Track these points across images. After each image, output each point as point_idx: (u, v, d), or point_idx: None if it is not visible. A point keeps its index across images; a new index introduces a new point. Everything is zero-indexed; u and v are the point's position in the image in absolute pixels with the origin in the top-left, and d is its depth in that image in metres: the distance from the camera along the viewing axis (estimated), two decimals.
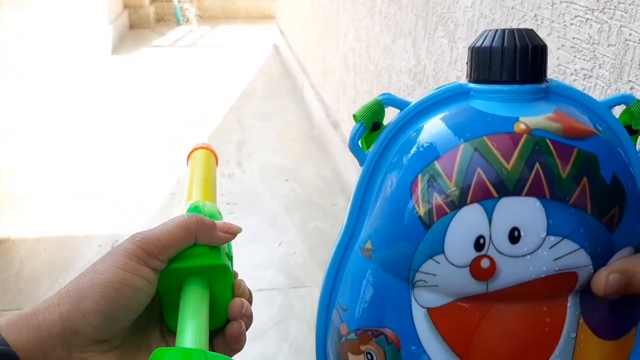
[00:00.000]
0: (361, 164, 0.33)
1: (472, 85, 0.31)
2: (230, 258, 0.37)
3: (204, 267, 0.34)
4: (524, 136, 0.27)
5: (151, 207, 1.81)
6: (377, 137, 0.32)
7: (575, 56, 0.70)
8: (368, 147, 0.33)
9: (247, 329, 0.35)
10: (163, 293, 0.33)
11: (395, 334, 0.30)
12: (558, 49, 0.73)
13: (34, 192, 1.89)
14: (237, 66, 3.43)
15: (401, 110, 0.32)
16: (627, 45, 0.60)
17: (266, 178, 2.02)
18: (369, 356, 0.31)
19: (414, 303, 0.29)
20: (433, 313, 0.29)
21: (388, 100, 0.33)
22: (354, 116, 0.33)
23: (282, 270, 1.52)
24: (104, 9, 3.54)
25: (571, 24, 0.70)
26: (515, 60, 0.29)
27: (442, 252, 0.27)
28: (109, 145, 2.28)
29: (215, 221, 0.35)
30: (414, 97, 1.31)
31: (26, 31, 2.10)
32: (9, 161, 1.83)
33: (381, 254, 0.30)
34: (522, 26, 0.79)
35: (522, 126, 0.28)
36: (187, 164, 0.46)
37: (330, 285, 0.34)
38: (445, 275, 0.28)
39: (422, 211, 0.28)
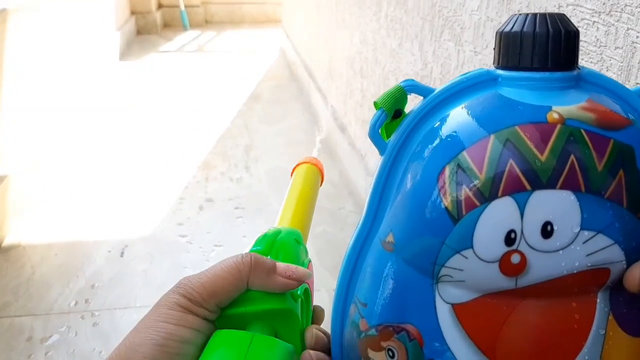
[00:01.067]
0: (381, 153, 0.31)
1: (500, 71, 0.30)
2: (304, 299, 0.33)
3: (262, 312, 0.30)
4: (558, 126, 0.26)
5: (160, 211, 1.82)
6: (398, 125, 0.31)
7: (582, 59, 0.70)
8: (388, 136, 0.31)
9: None
10: None
11: (417, 330, 0.29)
12: None
13: (44, 198, 1.90)
14: (244, 70, 3.44)
15: (425, 97, 0.31)
16: (635, 47, 0.60)
17: (274, 182, 2.03)
18: (390, 353, 0.30)
19: (438, 298, 0.28)
20: (458, 309, 0.28)
21: (411, 87, 0.31)
22: (375, 103, 0.31)
23: None
24: (111, 16, 3.57)
25: (578, 26, 0.70)
26: (547, 46, 0.28)
27: (471, 246, 0.26)
28: (117, 150, 2.29)
29: (278, 263, 0.31)
30: (420, 100, 1.31)
31: (35, 37, 2.11)
32: (18, 167, 1.85)
33: (404, 247, 0.29)
34: None
35: (556, 115, 0.26)
36: (291, 177, 0.43)
37: (347, 278, 0.33)
38: (472, 271, 0.27)
39: (449, 204, 0.26)
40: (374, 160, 1.65)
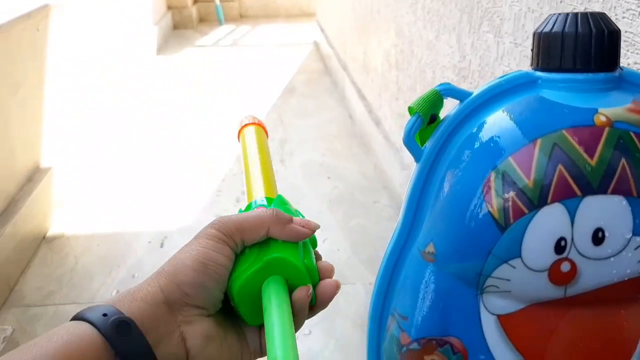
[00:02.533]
0: (417, 160, 0.30)
1: (539, 73, 0.29)
2: (309, 260, 0.35)
3: (277, 261, 0.33)
4: (606, 129, 0.25)
5: (198, 203, 1.85)
6: (434, 130, 0.30)
7: (627, 50, 0.68)
8: (423, 142, 0.30)
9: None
10: (240, 302, 0.34)
11: (462, 342, 0.28)
12: None
13: (86, 189, 1.96)
14: (278, 64, 3.46)
15: (462, 101, 0.30)
16: None
17: (308, 175, 2.04)
18: None
19: (482, 310, 0.27)
20: (504, 320, 0.27)
21: (447, 91, 0.30)
22: (410, 108, 0.30)
23: None
24: (148, 11, 3.63)
25: (623, 17, 0.68)
26: (590, 46, 0.27)
27: (519, 255, 0.25)
28: (156, 143, 2.34)
29: (294, 217, 0.36)
30: (457, 105, 1.30)
31: (76, 33, 2.17)
32: (61, 160, 1.90)
33: (446, 258, 0.28)
34: None
35: (603, 118, 0.25)
36: (239, 140, 0.44)
37: (383, 290, 0.32)
38: (520, 281, 0.26)
39: (496, 212, 0.25)
40: (410, 154, 1.64)
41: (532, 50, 0.29)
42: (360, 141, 2.32)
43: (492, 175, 0.26)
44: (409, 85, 1.71)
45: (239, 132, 0.46)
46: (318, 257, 0.38)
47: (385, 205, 1.83)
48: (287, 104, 2.79)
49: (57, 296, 1.45)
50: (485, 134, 0.28)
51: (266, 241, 0.34)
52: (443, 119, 0.30)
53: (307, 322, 1.43)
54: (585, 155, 0.25)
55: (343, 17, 2.86)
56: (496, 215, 0.26)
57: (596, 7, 0.73)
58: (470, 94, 0.30)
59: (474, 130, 0.28)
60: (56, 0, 1.99)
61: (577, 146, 0.25)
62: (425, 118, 0.30)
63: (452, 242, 0.28)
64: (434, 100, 0.30)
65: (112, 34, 2.70)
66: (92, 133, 2.31)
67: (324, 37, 3.46)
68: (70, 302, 1.43)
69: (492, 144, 0.27)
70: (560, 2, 0.81)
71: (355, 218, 1.76)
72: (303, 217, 0.38)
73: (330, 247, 1.62)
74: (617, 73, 0.28)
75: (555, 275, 0.25)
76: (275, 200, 0.38)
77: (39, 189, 1.68)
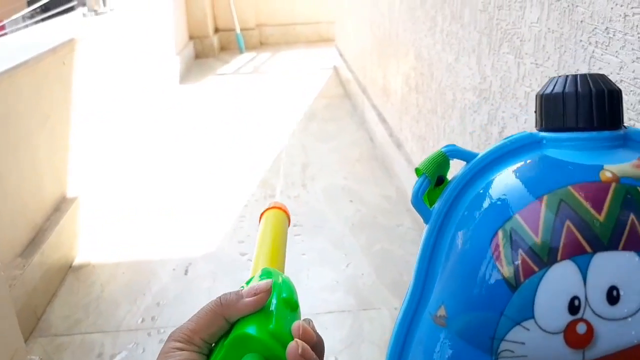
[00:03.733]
0: (426, 221, 0.30)
1: (544, 134, 0.29)
2: (287, 310, 0.35)
3: (239, 340, 0.33)
4: (613, 185, 0.25)
5: (221, 230, 1.86)
6: (441, 192, 0.30)
7: None
8: (432, 204, 0.30)
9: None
10: None
11: None
12: (633, 61, 0.71)
13: (111, 218, 1.98)
14: (299, 90, 3.49)
15: (467, 162, 0.30)
16: None
17: (330, 199, 2.04)
18: None
19: None
20: None
21: (453, 152, 0.30)
22: (417, 170, 0.30)
23: (350, 292, 1.52)
24: (171, 41, 3.71)
25: None
26: (591, 104, 0.27)
27: (532, 316, 0.24)
28: (179, 171, 2.36)
29: (242, 290, 0.35)
30: (480, 114, 1.29)
31: (101, 64, 2.23)
32: (86, 189, 1.94)
33: (458, 321, 0.27)
34: (592, 40, 0.78)
35: (609, 174, 0.25)
36: (259, 223, 0.45)
37: (396, 357, 0.31)
38: (535, 344, 0.24)
39: (505, 271, 0.25)
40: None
41: (535, 112, 0.30)
42: (382, 164, 2.31)
43: (500, 234, 0.26)
44: (430, 108, 1.71)
45: (261, 215, 0.47)
46: (294, 309, 0.37)
47: (409, 228, 1.82)
48: (308, 129, 2.80)
49: (83, 325, 1.46)
50: (491, 193, 0.28)
51: (232, 325, 0.34)
52: (450, 180, 0.30)
53: (332, 349, 1.41)
54: (593, 211, 0.24)
55: (362, 42, 2.88)
56: (506, 274, 0.25)
57: (618, 27, 0.72)
58: (475, 155, 0.30)
59: (481, 190, 0.28)
60: (81, 33, 2.05)
61: (584, 202, 0.25)
62: (432, 179, 0.30)
63: (463, 304, 0.27)
64: (440, 161, 0.30)
65: (136, 65, 2.77)
66: (117, 162, 2.35)
67: (343, 62, 3.49)
68: (97, 330, 1.44)
69: (498, 202, 0.27)
70: (581, 22, 0.80)
71: (378, 242, 1.75)
72: (289, 283, 0.37)
73: (354, 272, 1.60)
74: (621, 131, 0.28)
75: (572, 337, 0.24)
76: (260, 275, 0.37)
77: (66, 219, 1.70)
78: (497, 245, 0.25)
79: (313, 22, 4.90)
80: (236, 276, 1.61)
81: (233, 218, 1.94)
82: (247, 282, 0.37)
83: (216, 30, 4.72)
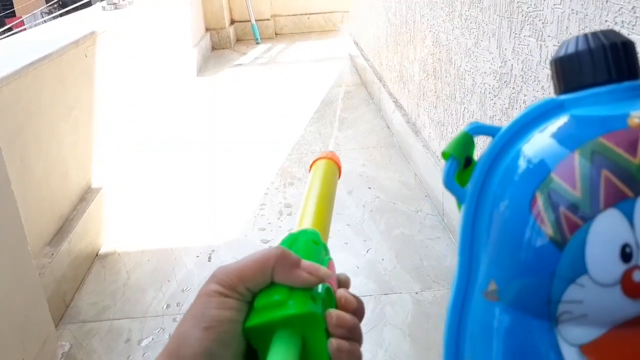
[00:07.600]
0: (461, 201, 0.30)
1: (564, 96, 0.29)
2: (326, 298, 0.34)
3: (287, 318, 0.31)
4: None
5: (243, 217, 1.89)
6: (471, 172, 0.30)
7: None
8: (463, 185, 0.30)
9: (360, 344, 0.34)
10: (259, 348, 0.32)
11: None
12: None
13: (135, 207, 2.02)
14: (314, 79, 3.50)
15: (493, 136, 0.30)
16: None
17: (349, 186, 2.05)
18: None
19: (562, 343, 0.25)
20: (587, 350, 0.25)
21: (477, 129, 0.31)
22: (443, 153, 0.31)
23: (371, 276, 1.53)
24: (188, 33, 3.73)
25: None
26: (607, 57, 0.27)
27: (585, 271, 0.24)
28: (200, 160, 2.39)
29: (303, 260, 0.33)
30: (501, 98, 1.29)
31: (120, 58, 2.25)
32: (110, 179, 1.97)
33: (510, 291, 0.27)
34: (618, 20, 0.78)
35: (637, 120, 0.25)
36: (309, 173, 0.44)
37: (454, 342, 0.30)
38: (593, 300, 0.24)
39: (550, 230, 0.24)
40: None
41: (552, 78, 0.30)
42: (400, 151, 2.32)
43: (539, 195, 0.26)
44: (448, 93, 1.71)
45: (312, 165, 0.45)
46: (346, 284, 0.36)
47: (428, 213, 1.83)
48: (324, 117, 2.81)
49: (111, 311, 1.49)
50: (522, 160, 0.28)
51: (280, 286, 0.32)
52: (480, 157, 0.30)
53: None
54: (627, 155, 0.24)
55: (377, 30, 2.87)
56: (551, 233, 0.25)
57: None
58: (499, 128, 0.30)
59: (511, 160, 0.28)
60: (101, 26, 2.08)
61: (616, 149, 0.24)
62: (460, 159, 0.30)
63: (513, 273, 0.26)
64: (465, 141, 0.31)
65: (154, 58, 2.79)
66: (139, 151, 2.38)
67: (359, 50, 3.49)
68: (124, 316, 1.47)
69: (531, 166, 0.27)
70: (606, 1, 0.80)
71: (398, 228, 1.76)
72: (329, 258, 0.36)
73: (374, 257, 1.62)
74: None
75: (629, 287, 0.23)
76: (301, 234, 0.36)
77: (91, 208, 1.74)
78: (538, 207, 0.25)
79: (327, 11, 4.89)
80: None
81: (254, 206, 1.96)
82: (291, 236, 0.36)
83: (232, 21, 4.74)
